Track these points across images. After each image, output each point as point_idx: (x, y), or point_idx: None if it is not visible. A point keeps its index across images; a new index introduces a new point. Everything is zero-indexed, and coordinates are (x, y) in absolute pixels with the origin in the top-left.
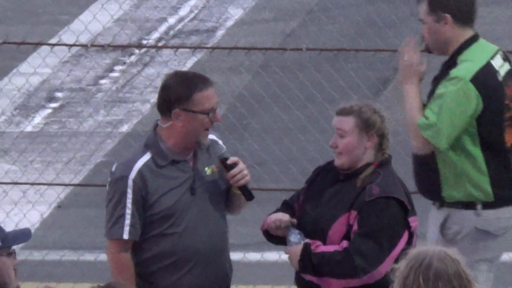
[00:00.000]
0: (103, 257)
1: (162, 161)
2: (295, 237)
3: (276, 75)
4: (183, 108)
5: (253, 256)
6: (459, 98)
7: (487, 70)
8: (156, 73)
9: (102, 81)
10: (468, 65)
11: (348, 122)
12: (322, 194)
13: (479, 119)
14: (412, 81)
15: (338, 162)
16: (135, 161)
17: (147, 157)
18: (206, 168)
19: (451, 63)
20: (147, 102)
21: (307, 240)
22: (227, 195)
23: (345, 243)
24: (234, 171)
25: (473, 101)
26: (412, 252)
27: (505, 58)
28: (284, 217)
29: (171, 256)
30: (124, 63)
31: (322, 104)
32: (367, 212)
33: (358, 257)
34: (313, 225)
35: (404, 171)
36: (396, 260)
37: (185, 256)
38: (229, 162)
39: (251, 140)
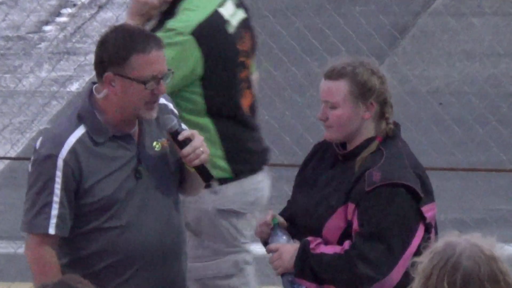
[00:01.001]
0: None
1: (99, 136)
2: (279, 241)
3: (265, 20)
4: (116, 72)
5: None
6: (172, 55)
7: (214, 20)
8: (115, 18)
9: (47, 28)
10: (190, 15)
11: (340, 89)
12: (317, 179)
13: (204, 82)
14: (135, 20)
15: (328, 135)
16: (66, 136)
17: (80, 131)
18: (155, 143)
19: (171, 12)
20: None
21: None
22: (181, 172)
23: (347, 245)
24: (186, 150)
25: (191, 60)
26: (439, 244)
27: (239, 4)
28: (268, 216)
29: (111, 256)
30: (74, 5)
31: (323, 58)
32: (368, 206)
33: (362, 263)
34: (304, 219)
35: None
36: (416, 255)
37: (130, 256)
38: (180, 138)
39: None
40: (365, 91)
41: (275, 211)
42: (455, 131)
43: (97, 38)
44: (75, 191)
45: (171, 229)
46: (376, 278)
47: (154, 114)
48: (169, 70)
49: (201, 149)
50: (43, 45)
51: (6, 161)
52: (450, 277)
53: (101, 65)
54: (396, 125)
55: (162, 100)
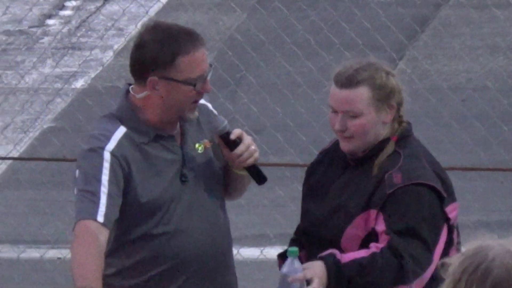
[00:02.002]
0: (51, 253)
1: (142, 137)
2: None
3: (279, 13)
4: (162, 75)
5: (250, 252)
6: None
7: None
8: (121, 11)
9: (50, 22)
10: None
11: (362, 96)
12: (329, 187)
13: None
14: None
15: (347, 147)
16: (112, 131)
17: (123, 129)
18: (197, 145)
19: None
20: (109, 49)
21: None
22: (225, 176)
23: (374, 247)
24: (240, 149)
25: None
26: (471, 247)
27: None
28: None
29: (160, 264)
30: None
31: (340, 52)
32: (394, 207)
33: (409, 258)
34: (321, 230)
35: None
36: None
37: (179, 263)
38: (232, 137)
39: (246, 99)
40: (388, 94)
41: (291, 211)
42: (478, 129)
43: (102, 32)
44: (124, 186)
45: (219, 233)
46: (419, 273)
47: (196, 113)
48: (210, 65)
49: (253, 147)
50: (46, 39)
51: (8, 162)
52: (479, 284)
53: (142, 68)
54: (408, 123)
55: (201, 100)
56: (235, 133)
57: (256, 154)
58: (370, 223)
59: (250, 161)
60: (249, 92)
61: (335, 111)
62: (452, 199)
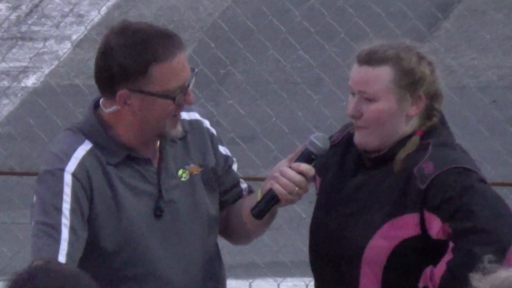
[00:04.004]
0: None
1: (110, 157)
2: None
3: None
4: (134, 88)
5: (237, 285)
6: None
7: None
8: None
9: None
10: None
11: (382, 77)
12: (341, 190)
13: None
14: None
15: (360, 139)
16: (73, 148)
17: (88, 145)
18: (181, 171)
19: None
20: (66, 39)
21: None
22: (227, 208)
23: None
24: (298, 178)
25: None
26: (501, 274)
27: None
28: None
29: None
30: None
31: (346, 44)
32: (440, 198)
33: (482, 251)
34: (333, 248)
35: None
36: None
37: None
38: (303, 168)
39: (232, 99)
40: (413, 81)
41: (286, 236)
42: (511, 135)
43: (58, 19)
44: (88, 215)
45: (205, 278)
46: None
47: (179, 128)
48: (192, 70)
49: (297, 189)
50: None
51: None
52: None
53: (109, 80)
54: (440, 115)
55: (195, 115)
56: (309, 171)
57: (290, 195)
58: (410, 230)
59: (277, 188)
60: (235, 92)
61: (353, 93)
62: None
